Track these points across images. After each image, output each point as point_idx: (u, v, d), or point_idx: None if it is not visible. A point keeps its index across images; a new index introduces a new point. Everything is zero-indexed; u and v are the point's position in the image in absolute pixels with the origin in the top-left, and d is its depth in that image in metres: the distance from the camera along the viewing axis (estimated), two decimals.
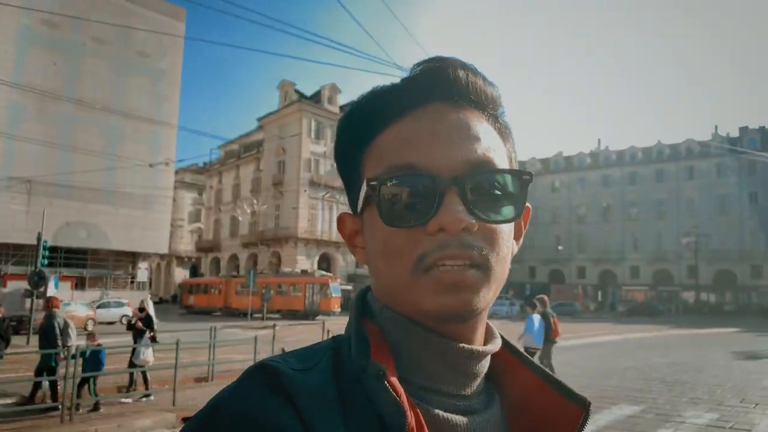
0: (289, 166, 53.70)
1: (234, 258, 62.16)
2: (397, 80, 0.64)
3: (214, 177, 69.06)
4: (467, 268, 0.56)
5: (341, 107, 57.59)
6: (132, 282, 44.20)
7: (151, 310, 10.94)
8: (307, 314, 36.76)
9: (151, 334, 10.51)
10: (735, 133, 65.52)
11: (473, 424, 0.59)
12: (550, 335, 10.70)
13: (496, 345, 0.65)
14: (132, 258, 44.10)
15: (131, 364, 10.38)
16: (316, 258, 53.31)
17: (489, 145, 0.61)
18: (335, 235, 54.55)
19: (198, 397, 10.04)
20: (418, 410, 0.54)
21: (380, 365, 0.54)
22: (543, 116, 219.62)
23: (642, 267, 66.28)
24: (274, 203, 54.72)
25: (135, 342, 10.54)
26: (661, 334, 28.35)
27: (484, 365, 0.63)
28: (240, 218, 59.02)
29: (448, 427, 0.57)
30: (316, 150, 54.04)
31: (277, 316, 37.55)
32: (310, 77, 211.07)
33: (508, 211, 0.60)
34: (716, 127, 72.95)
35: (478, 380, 0.63)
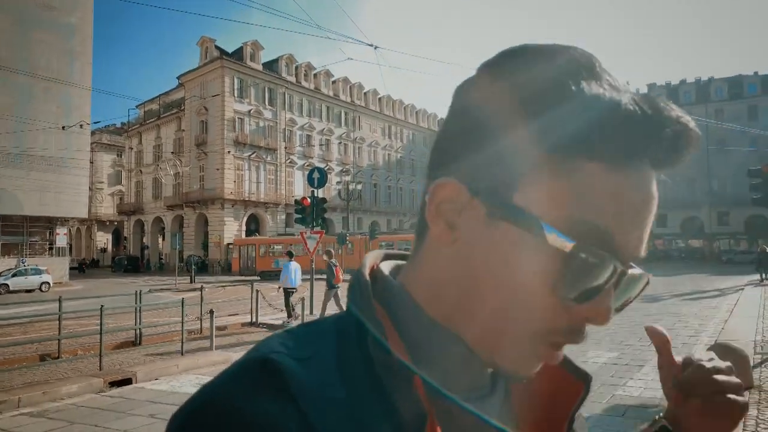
0: (212, 126, 52.32)
1: (158, 221, 60.65)
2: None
3: (133, 138, 66.32)
4: (562, 351, 0.54)
5: (264, 64, 56.27)
6: (51, 248, 42.41)
7: None
8: None
9: None
10: (644, 90, 69.36)
11: (482, 409, 0.56)
12: (332, 281, 13.72)
13: None
14: (49, 223, 42.14)
15: None
16: (245, 219, 52.79)
17: None
18: (263, 195, 54.07)
19: (125, 362, 10.13)
20: (432, 405, 0.51)
21: (404, 362, 0.50)
22: None
23: None
24: (198, 164, 53.43)
25: None
26: None
27: None
28: (163, 180, 57.38)
29: (460, 414, 0.54)
30: (240, 109, 52.82)
31: None
32: (231, 33, 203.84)
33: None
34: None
35: (489, 371, 0.60)
